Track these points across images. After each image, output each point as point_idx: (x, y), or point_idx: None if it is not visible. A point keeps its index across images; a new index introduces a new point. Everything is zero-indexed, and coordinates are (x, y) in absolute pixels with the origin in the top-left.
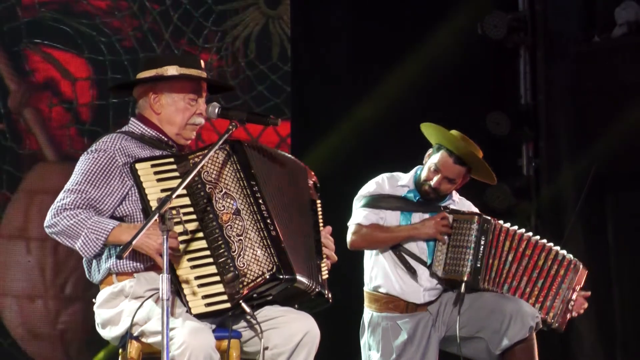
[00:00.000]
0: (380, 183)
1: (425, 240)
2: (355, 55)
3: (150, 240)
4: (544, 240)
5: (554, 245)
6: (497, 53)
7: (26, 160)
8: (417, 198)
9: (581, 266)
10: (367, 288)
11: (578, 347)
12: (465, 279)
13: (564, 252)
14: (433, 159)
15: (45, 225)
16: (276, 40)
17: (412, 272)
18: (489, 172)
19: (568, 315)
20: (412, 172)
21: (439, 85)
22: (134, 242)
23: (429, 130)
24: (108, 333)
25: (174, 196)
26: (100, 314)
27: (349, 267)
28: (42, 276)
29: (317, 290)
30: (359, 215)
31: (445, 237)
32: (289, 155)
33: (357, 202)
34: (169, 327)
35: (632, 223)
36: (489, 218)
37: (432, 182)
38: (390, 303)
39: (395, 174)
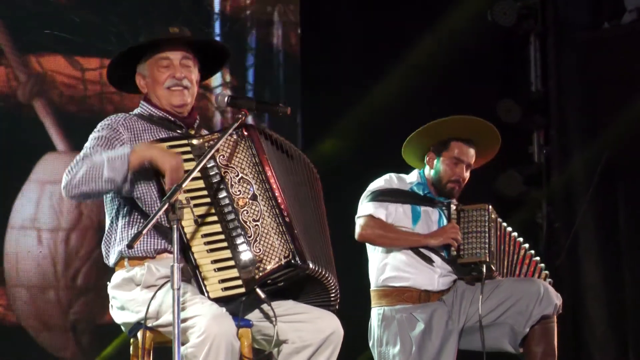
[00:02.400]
0: (388, 180)
1: (436, 246)
2: (365, 43)
3: (169, 156)
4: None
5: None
6: (507, 40)
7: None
8: (426, 192)
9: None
10: (375, 285)
11: (590, 332)
12: (486, 259)
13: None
14: (445, 156)
15: (62, 186)
16: (285, 28)
17: (427, 260)
18: (490, 129)
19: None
20: (416, 172)
21: (448, 73)
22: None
23: (410, 150)
24: (120, 317)
25: (184, 185)
26: (115, 296)
27: (355, 264)
28: (54, 267)
29: (336, 285)
30: (368, 208)
31: (456, 243)
32: (294, 147)
33: (365, 198)
34: (190, 314)
35: None
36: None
37: (460, 175)
38: (403, 294)
39: (401, 174)
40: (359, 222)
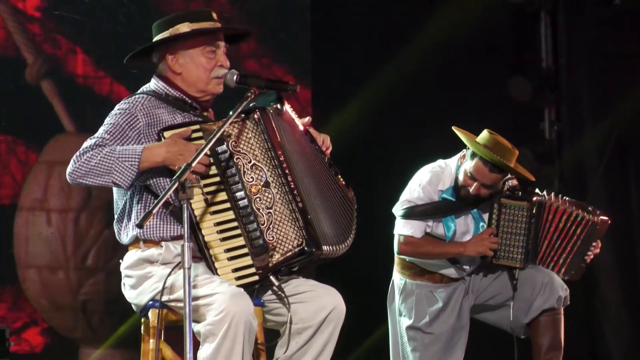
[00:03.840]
0: (425, 187)
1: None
2: (375, 22)
3: (180, 156)
4: (572, 207)
5: (581, 205)
6: (517, 17)
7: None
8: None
9: (601, 220)
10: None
11: (603, 312)
12: (520, 266)
13: (585, 213)
14: (468, 165)
15: (68, 173)
16: (296, 8)
17: (460, 270)
18: (526, 173)
19: (582, 265)
20: (454, 164)
21: (460, 51)
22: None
23: (460, 134)
24: (133, 295)
25: (193, 164)
26: (129, 275)
27: (376, 233)
28: (63, 247)
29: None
30: (405, 227)
31: (492, 253)
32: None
33: (402, 207)
34: (208, 292)
35: None
36: (540, 199)
37: (471, 189)
38: (426, 274)
39: (437, 169)
40: (399, 240)
